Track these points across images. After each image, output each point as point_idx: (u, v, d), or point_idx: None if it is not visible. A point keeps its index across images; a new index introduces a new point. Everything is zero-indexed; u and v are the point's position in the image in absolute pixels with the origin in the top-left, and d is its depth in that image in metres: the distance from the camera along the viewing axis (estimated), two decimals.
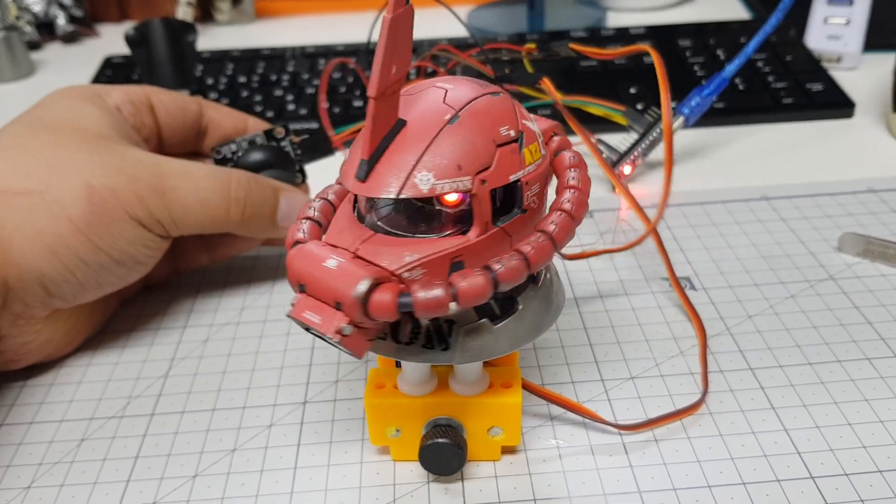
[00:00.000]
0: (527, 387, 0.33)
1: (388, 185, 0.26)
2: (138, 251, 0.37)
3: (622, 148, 0.51)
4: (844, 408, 0.34)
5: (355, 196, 0.29)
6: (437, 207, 0.27)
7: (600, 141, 0.51)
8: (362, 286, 0.25)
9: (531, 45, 0.50)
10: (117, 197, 0.35)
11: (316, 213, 0.30)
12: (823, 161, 0.53)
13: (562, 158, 0.30)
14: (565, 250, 0.35)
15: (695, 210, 0.48)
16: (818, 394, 0.35)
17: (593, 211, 0.49)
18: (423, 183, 0.26)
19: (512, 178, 0.27)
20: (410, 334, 0.28)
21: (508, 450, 0.33)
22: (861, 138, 0.56)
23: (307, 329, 0.26)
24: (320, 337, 0.26)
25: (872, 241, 0.42)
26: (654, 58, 0.43)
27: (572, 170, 0.30)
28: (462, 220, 0.27)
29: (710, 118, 0.57)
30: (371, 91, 0.25)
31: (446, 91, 0.27)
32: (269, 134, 0.44)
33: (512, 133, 0.27)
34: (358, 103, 0.62)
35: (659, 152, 0.54)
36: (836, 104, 0.59)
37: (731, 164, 0.53)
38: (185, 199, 0.37)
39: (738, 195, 0.49)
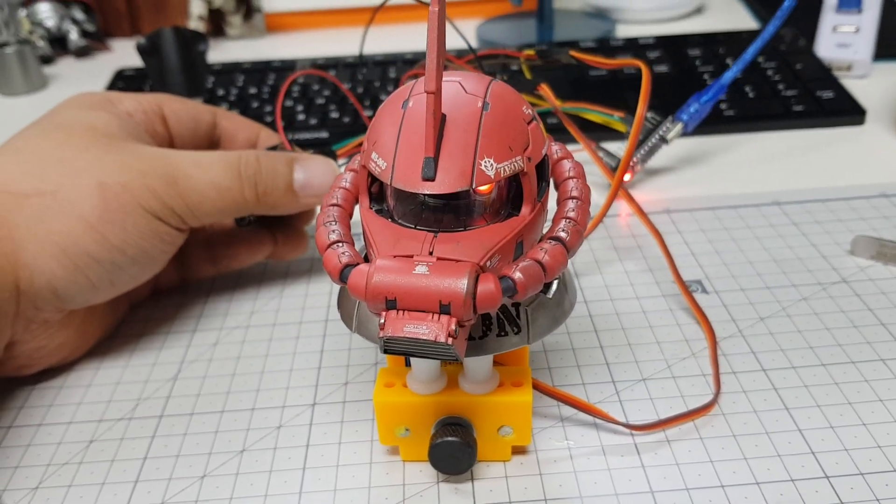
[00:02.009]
0: (537, 386, 0.32)
1: (461, 178, 0.26)
2: (153, 246, 0.36)
3: (621, 154, 0.50)
4: (859, 408, 0.33)
5: (369, 204, 0.29)
6: (473, 198, 0.27)
7: (599, 147, 0.51)
8: (469, 280, 0.25)
9: (530, 52, 0.49)
10: (130, 191, 0.35)
11: (341, 234, 0.29)
12: (835, 167, 0.53)
13: (561, 167, 0.30)
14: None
15: (705, 215, 0.48)
16: (832, 394, 0.34)
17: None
18: (489, 169, 0.26)
19: (543, 151, 0.28)
20: (482, 328, 0.28)
21: (519, 450, 0.32)
22: (872, 145, 0.56)
23: (387, 350, 0.26)
24: (411, 353, 0.26)
25: (886, 244, 0.42)
26: (644, 74, 0.42)
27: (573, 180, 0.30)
28: (492, 205, 0.27)
29: (720, 125, 0.57)
30: (429, 86, 0.25)
31: (460, 83, 0.28)
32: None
33: (530, 112, 0.28)
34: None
35: (658, 159, 0.54)
36: (847, 111, 0.58)
37: (742, 170, 0.53)
38: (198, 186, 0.37)
39: (749, 200, 0.49)
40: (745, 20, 0.81)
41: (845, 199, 0.49)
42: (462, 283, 0.25)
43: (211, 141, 0.45)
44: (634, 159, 0.51)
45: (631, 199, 0.43)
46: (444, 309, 0.25)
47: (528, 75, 0.49)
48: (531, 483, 0.31)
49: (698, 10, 0.84)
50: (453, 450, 0.30)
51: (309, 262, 0.46)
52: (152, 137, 0.41)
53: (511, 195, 0.28)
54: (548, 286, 0.29)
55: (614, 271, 0.43)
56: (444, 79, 0.28)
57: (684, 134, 0.51)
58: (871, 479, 0.30)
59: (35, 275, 0.34)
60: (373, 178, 0.29)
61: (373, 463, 0.32)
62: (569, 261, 0.28)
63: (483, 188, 0.27)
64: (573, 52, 0.47)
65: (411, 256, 0.26)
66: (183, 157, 0.38)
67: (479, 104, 0.27)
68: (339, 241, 0.28)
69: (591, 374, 0.36)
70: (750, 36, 0.70)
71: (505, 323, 0.28)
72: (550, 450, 0.33)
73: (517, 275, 0.26)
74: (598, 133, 0.51)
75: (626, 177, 0.51)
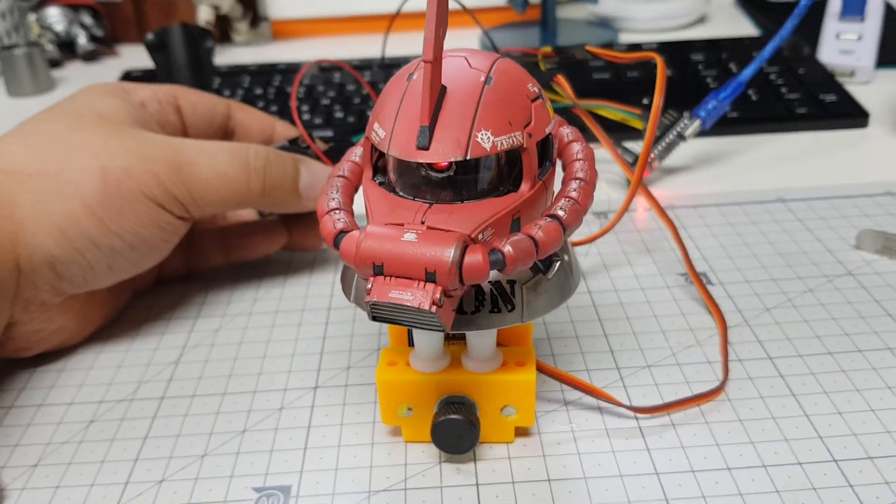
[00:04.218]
0: (541, 368, 0.32)
1: (455, 149, 0.26)
2: (153, 234, 0.36)
3: (638, 151, 0.50)
4: (867, 394, 0.33)
5: (372, 176, 0.29)
6: (472, 174, 0.27)
7: (619, 144, 0.51)
8: (456, 250, 0.25)
9: (548, 49, 0.50)
10: (132, 177, 0.35)
11: (341, 203, 0.29)
12: (838, 167, 0.53)
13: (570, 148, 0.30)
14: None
15: (710, 211, 0.48)
16: (839, 381, 0.34)
17: (609, 212, 0.48)
18: (485, 141, 0.26)
19: (547, 130, 0.28)
20: (475, 302, 0.28)
21: (522, 432, 0.32)
22: (876, 146, 0.56)
23: (374, 317, 0.26)
24: (397, 321, 0.26)
25: (892, 238, 0.42)
26: (659, 65, 0.42)
27: (578, 151, 0.30)
28: (491, 181, 0.27)
29: (724, 127, 0.57)
30: (427, 55, 0.25)
31: (466, 58, 0.28)
32: (293, 142, 0.44)
33: (536, 90, 0.28)
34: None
35: (675, 158, 0.54)
36: (850, 114, 0.58)
37: (746, 170, 0.53)
38: (203, 174, 0.37)
39: (754, 197, 0.49)
40: (747, 30, 0.81)
41: (850, 196, 0.48)
42: (448, 252, 0.25)
43: (225, 133, 0.45)
44: (652, 155, 0.50)
45: (648, 193, 0.42)
46: (430, 277, 0.25)
47: (542, 67, 0.49)
48: (534, 464, 0.31)
49: (700, 20, 0.84)
50: (456, 428, 0.30)
51: (313, 251, 0.46)
52: (164, 128, 0.41)
53: (513, 173, 0.28)
54: (548, 266, 0.29)
55: (618, 263, 0.43)
56: (451, 54, 0.28)
57: (702, 132, 0.51)
58: (880, 462, 0.30)
59: (34, 253, 0.34)
60: (379, 153, 0.29)
61: (374, 443, 0.32)
62: (568, 241, 0.28)
63: (443, 164, 0.27)
64: (588, 47, 0.47)
65: (403, 225, 0.26)
66: (190, 144, 0.38)
67: (482, 78, 0.27)
68: (336, 209, 0.28)
69: (596, 360, 0.36)
70: (752, 42, 0.70)
71: (499, 299, 0.28)
72: (554, 432, 0.32)
73: (507, 248, 0.26)
74: (615, 132, 0.51)
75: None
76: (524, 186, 0.27)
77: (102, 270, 0.36)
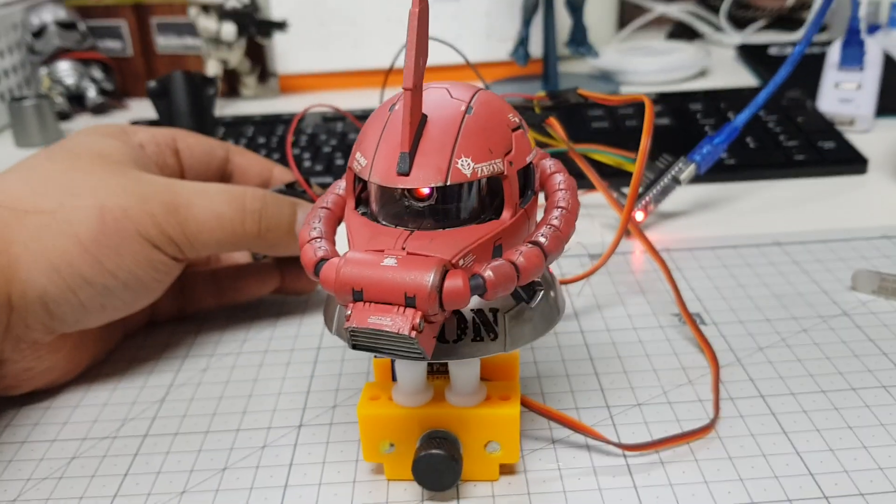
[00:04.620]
0: (526, 403, 0.32)
1: (436, 174, 0.26)
2: (147, 274, 0.36)
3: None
4: (860, 432, 0.32)
5: (355, 207, 0.29)
6: (408, 202, 0.27)
7: (615, 188, 0.51)
8: (435, 274, 0.25)
9: (542, 94, 0.50)
10: (129, 216, 0.36)
11: (323, 232, 0.29)
12: (836, 212, 0.53)
13: (552, 180, 0.31)
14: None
15: (705, 254, 0.48)
16: (832, 419, 0.33)
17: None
18: (466, 168, 0.26)
19: (528, 159, 0.28)
20: (457, 331, 0.28)
21: (507, 469, 0.31)
22: (875, 192, 0.55)
23: (355, 345, 0.26)
24: (378, 349, 0.25)
25: (887, 278, 0.41)
26: (647, 106, 0.41)
27: (560, 181, 0.30)
28: (473, 210, 0.28)
29: (721, 173, 0.57)
30: (407, 83, 0.25)
31: (447, 89, 0.28)
32: (290, 186, 0.45)
33: (517, 120, 0.28)
34: None
35: (672, 203, 0.54)
36: (849, 160, 0.58)
37: (744, 215, 0.53)
38: (199, 215, 0.37)
39: (750, 241, 0.49)
40: (748, 82, 0.82)
41: (846, 239, 0.48)
42: (428, 277, 0.24)
43: (223, 176, 0.45)
44: (647, 198, 0.50)
45: (639, 232, 0.42)
46: (410, 302, 0.25)
47: (537, 110, 0.49)
48: (519, 502, 0.30)
49: (702, 73, 0.85)
50: (437, 463, 0.29)
51: (305, 294, 0.46)
52: (162, 170, 0.42)
53: (495, 203, 0.28)
54: (531, 295, 0.28)
55: (612, 303, 0.43)
56: (433, 85, 0.29)
57: (696, 177, 0.51)
58: (871, 499, 0.29)
59: (28, 290, 0.34)
60: (362, 184, 0.30)
61: (356, 482, 0.32)
62: (555, 274, 0.28)
63: (425, 191, 0.27)
64: (581, 91, 0.48)
65: (383, 251, 0.26)
66: (187, 185, 0.38)
67: (463, 108, 0.27)
68: (318, 237, 0.28)
69: (586, 399, 0.36)
70: (752, 92, 0.71)
71: (481, 328, 0.28)
72: (540, 470, 0.32)
73: (487, 273, 0.26)
74: (611, 178, 0.50)
75: (640, 216, 0.50)
76: (506, 214, 0.27)
77: (94, 309, 0.36)
